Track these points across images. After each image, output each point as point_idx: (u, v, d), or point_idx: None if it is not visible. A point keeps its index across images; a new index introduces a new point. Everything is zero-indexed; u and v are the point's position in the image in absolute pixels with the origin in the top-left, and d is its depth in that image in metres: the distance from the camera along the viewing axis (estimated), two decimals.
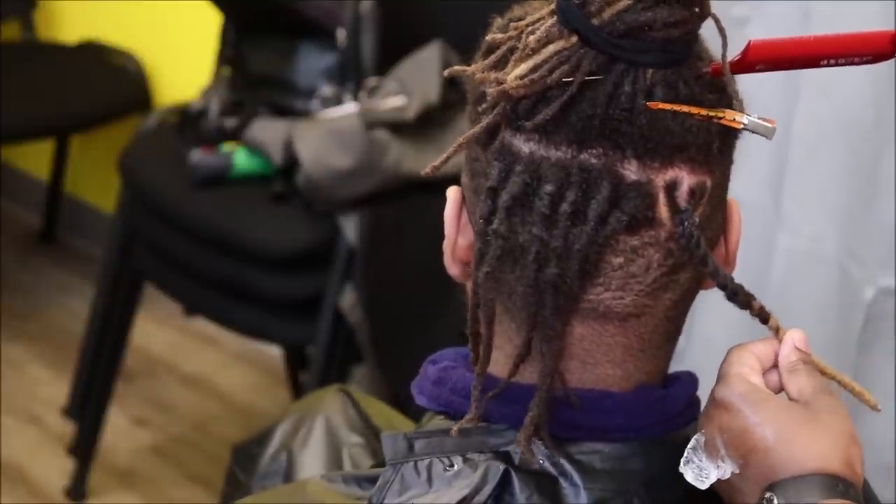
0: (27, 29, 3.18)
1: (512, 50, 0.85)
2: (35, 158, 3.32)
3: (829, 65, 0.85)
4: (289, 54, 2.32)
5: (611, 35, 0.81)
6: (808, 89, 1.77)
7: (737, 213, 0.90)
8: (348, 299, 2.17)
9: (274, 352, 2.82)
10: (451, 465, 0.87)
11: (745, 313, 0.88)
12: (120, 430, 2.66)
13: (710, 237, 0.87)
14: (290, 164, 2.19)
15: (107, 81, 3.02)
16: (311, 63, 2.30)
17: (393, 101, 2.23)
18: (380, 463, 0.92)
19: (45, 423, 2.69)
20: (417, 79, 2.24)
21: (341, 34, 2.28)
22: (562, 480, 0.86)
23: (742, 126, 0.84)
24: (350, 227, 2.17)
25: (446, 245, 0.90)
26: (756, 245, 1.84)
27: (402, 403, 2.28)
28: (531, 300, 0.84)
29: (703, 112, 0.83)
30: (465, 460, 0.87)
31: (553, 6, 0.83)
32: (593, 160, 0.82)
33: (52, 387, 2.77)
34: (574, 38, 0.82)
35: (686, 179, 0.83)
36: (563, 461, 0.87)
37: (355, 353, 2.23)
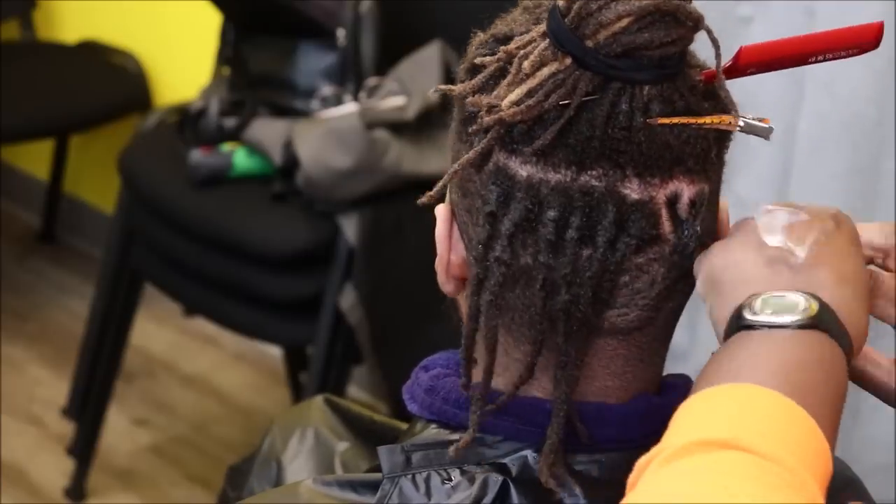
0: (27, 28, 3.18)
1: (501, 72, 0.84)
2: (34, 158, 3.32)
3: (817, 61, 0.85)
4: (289, 54, 2.31)
5: (607, 56, 0.80)
6: (812, 88, 1.77)
7: (725, 212, 0.90)
8: (348, 299, 2.17)
9: (274, 352, 2.82)
10: (450, 478, 0.87)
11: None
12: (119, 430, 2.66)
13: (706, 242, 0.87)
14: (290, 164, 2.19)
15: (107, 81, 3.02)
16: (311, 63, 2.30)
17: (393, 101, 2.23)
18: (374, 468, 0.92)
19: (45, 423, 2.69)
20: (417, 79, 2.24)
21: (341, 34, 2.28)
22: (560, 491, 0.86)
23: (739, 129, 0.84)
24: (350, 227, 2.17)
25: (439, 263, 0.90)
26: None
27: (402, 403, 2.28)
28: (539, 326, 0.84)
29: (703, 121, 0.83)
30: (463, 473, 0.87)
31: (544, 28, 0.83)
32: (594, 182, 0.81)
33: (51, 387, 2.77)
34: (568, 60, 0.81)
35: (686, 191, 0.83)
36: (562, 472, 0.86)
37: (355, 353, 2.23)
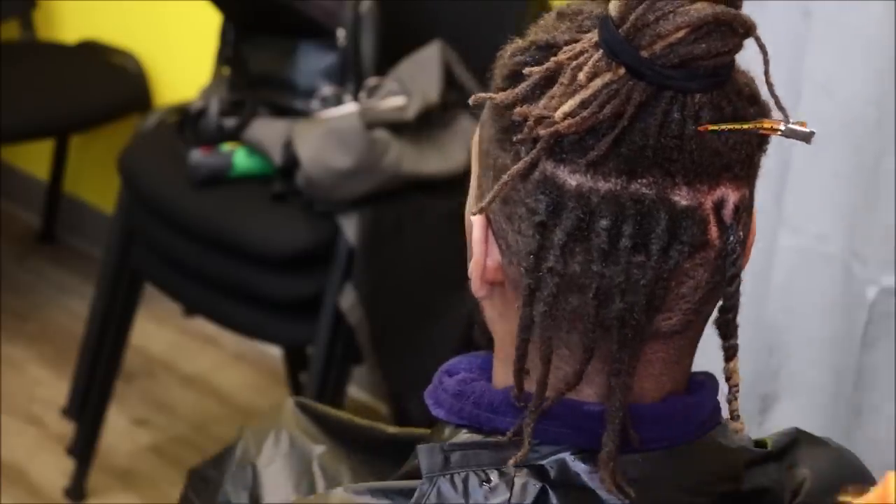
0: (27, 28, 3.18)
1: (547, 81, 0.84)
2: (35, 158, 3.32)
3: None
4: (289, 54, 2.31)
5: (663, 67, 0.80)
6: (810, 89, 1.77)
7: (753, 215, 0.90)
8: (348, 299, 2.17)
9: (274, 352, 2.82)
10: (488, 480, 0.87)
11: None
12: (119, 430, 2.66)
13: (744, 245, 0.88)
14: (290, 163, 2.19)
15: (107, 81, 3.02)
16: (311, 63, 2.30)
17: (393, 101, 2.23)
18: (405, 475, 0.92)
19: (45, 423, 2.69)
20: (417, 79, 2.24)
21: (341, 34, 2.28)
22: (598, 492, 0.86)
23: (781, 133, 0.84)
24: (350, 227, 2.17)
25: (474, 268, 0.89)
26: (757, 244, 1.84)
27: (402, 403, 2.28)
28: (591, 334, 0.84)
29: (750, 126, 0.83)
30: (501, 474, 0.87)
31: (595, 38, 0.83)
32: (645, 190, 0.81)
33: (51, 387, 2.77)
34: (622, 71, 0.81)
35: (731, 196, 0.84)
36: (621, 478, 0.86)
37: (355, 353, 2.23)
